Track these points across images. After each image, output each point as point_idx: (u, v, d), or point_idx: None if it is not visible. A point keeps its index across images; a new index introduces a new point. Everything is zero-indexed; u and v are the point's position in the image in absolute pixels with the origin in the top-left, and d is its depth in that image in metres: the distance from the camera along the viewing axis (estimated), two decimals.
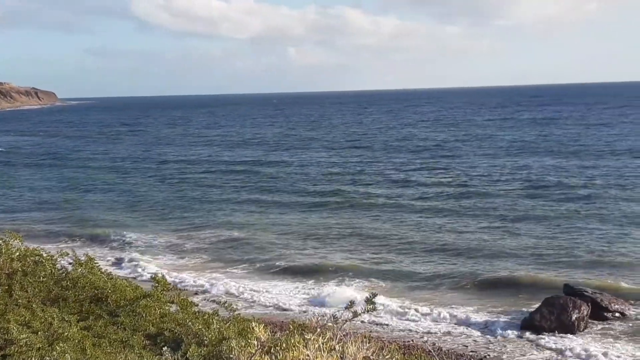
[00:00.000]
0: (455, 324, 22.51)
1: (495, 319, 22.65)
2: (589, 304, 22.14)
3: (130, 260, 31.76)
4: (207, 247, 34.01)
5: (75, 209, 45.98)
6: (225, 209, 43.88)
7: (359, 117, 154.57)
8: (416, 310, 23.74)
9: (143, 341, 6.56)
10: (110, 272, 7.84)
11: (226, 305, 7.34)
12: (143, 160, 75.78)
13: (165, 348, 6.47)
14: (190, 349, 6.40)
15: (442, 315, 23.19)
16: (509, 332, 21.47)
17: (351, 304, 7.79)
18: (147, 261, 31.61)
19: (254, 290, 26.61)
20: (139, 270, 29.82)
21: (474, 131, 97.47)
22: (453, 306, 24.00)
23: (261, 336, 6.76)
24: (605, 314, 22.44)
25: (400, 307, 24.02)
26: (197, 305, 7.35)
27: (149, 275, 24.40)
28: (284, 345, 6.84)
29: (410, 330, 22.09)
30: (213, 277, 28.77)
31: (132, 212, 44.60)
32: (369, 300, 7.97)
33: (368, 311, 7.93)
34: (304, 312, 23.23)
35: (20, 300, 6.92)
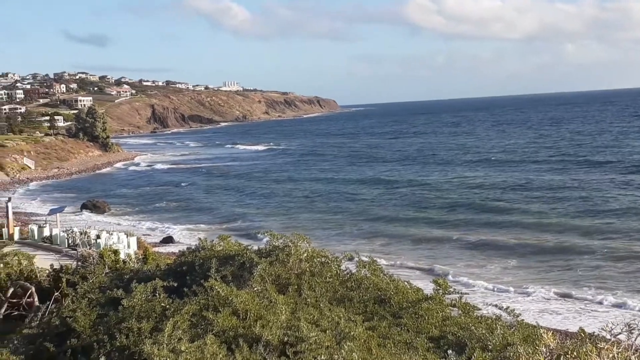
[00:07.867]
0: None
1: None
2: None
3: None
4: None
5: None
6: None
7: None
8: None
9: (427, 343, 6.53)
10: (392, 274, 7.95)
11: (508, 310, 7.07)
12: None
13: (450, 352, 6.38)
14: (475, 354, 6.24)
15: None
16: None
17: None
18: None
19: None
20: None
21: None
22: None
23: (550, 343, 6.41)
24: None
25: None
26: (479, 309, 7.17)
27: None
28: (575, 353, 6.41)
29: None
30: None
31: None
32: None
33: None
34: None
35: (309, 300, 7.25)
